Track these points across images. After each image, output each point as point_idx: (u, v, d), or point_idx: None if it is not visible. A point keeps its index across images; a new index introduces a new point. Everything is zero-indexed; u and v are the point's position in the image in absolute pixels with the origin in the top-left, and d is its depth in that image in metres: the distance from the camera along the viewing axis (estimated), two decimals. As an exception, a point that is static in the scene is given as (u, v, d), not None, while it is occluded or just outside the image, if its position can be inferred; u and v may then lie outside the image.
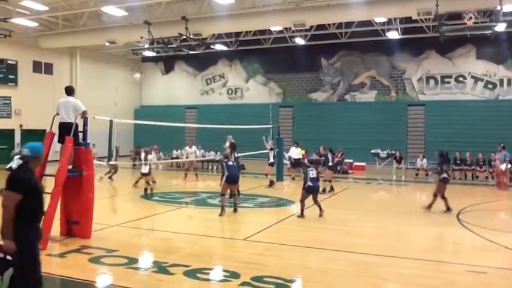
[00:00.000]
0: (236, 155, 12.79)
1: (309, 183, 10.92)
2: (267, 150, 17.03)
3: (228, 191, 11.59)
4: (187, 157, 20.06)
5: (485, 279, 6.69)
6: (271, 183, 16.43)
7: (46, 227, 7.78)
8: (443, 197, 11.77)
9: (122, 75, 32.42)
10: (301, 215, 10.97)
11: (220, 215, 11.16)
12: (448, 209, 11.69)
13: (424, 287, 6.32)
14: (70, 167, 8.59)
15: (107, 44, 24.63)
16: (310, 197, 11.07)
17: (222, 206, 11.32)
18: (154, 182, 14.89)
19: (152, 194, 14.30)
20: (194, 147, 21.05)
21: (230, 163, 11.54)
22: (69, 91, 8.98)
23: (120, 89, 31.49)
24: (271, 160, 16.91)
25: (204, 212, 12.28)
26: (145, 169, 14.58)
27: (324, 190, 14.67)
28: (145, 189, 14.50)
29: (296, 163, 19.92)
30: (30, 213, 4.61)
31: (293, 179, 19.07)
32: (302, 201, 11.02)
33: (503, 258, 8.00)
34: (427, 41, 24.62)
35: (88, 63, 29.09)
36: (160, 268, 6.85)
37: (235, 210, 11.63)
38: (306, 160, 12.47)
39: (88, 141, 9.00)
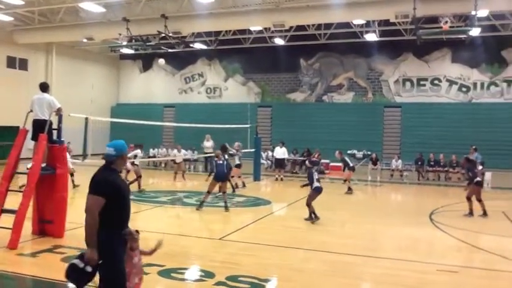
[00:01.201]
0: (226, 156, 13.01)
1: (317, 184, 10.61)
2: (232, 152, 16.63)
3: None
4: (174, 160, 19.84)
5: (457, 279, 6.83)
6: (236, 187, 15.76)
7: (17, 226, 7.64)
8: (480, 200, 11.63)
9: (99, 72, 31.98)
10: (310, 218, 10.54)
11: (197, 209, 11.50)
12: (485, 213, 11.55)
13: (398, 286, 6.42)
14: (44, 164, 8.43)
15: (84, 40, 24.25)
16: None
17: (202, 200, 11.71)
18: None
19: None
20: (183, 151, 20.88)
21: (219, 162, 12.01)
22: (44, 87, 8.81)
23: (97, 87, 31.12)
24: (237, 162, 16.48)
25: (181, 211, 12.21)
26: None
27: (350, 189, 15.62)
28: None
29: (279, 163, 19.95)
30: (114, 219, 4.22)
31: (281, 179, 19.15)
32: (309, 204, 10.58)
33: (475, 258, 8.19)
34: (404, 43, 25.00)
35: (64, 59, 28.60)
36: (135, 268, 6.77)
37: (226, 209, 11.66)
38: (307, 162, 12.41)
39: (62, 139, 8.86)
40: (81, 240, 8.07)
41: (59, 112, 8.67)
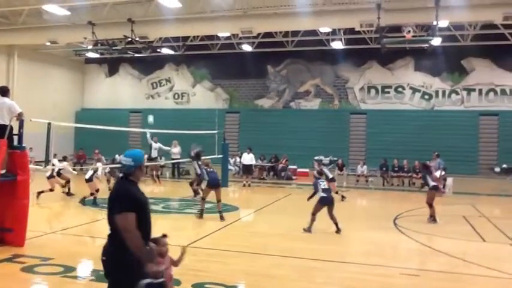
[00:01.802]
0: (200, 163, 13.20)
1: (322, 194, 10.26)
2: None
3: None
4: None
5: (417, 282, 7.00)
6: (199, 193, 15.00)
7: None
8: (431, 205, 11.71)
9: (64, 76, 31.27)
10: (309, 230, 10.18)
11: (199, 217, 11.53)
12: (434, 219, 11.59)
13: (362, 290, 6.52)
14: (3, 171, 8.17)
15: (48, 43, 23.66)
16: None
17: (201, 209, 11.69)
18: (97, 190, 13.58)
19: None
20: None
21: (210, 170, 12.07)
22: (4, 92, 8.55)
23: (61, 91, 30.41)
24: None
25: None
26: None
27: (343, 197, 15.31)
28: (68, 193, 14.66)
29: (246, 169, 19.93)
30: (140, 232, 3.94)
31: (249, 185, 19.12)
32: (314, 214, 10.25)
33: (437, 262, 8.40)
34: (369, 52, 25.56)
35: (27, 62, 27.81)
36: (98, 276, 6.60)
37: (221, 218, 11.35)
38: (315, 172, 11.93)
39: (24, 145, 8.60)
40: (43, 249, 7.91)
41: (20, 117, 8.43)
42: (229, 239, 9.63)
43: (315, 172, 11.98)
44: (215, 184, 11.84)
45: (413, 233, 10.33)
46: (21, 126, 8.56)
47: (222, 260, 7.78)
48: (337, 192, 15.26)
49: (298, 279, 6.91)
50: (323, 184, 10.55)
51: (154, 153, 19.16)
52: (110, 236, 4.08)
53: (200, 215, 11.63)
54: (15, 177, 8.28)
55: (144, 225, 4.01)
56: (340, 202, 15.24)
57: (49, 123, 10.31)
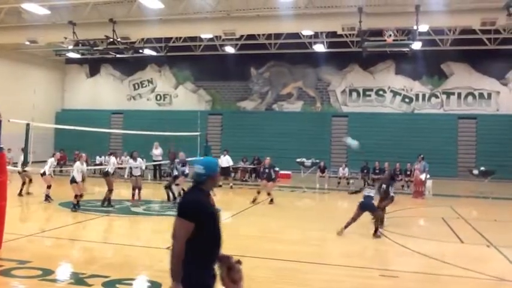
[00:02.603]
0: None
1: (361, 199, 10.53)
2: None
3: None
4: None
5: (396, 283, 7.09)
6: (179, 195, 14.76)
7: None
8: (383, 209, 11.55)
9: (43, 76, 30.81)
10: (341, 232, 10.23)
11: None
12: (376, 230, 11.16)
13: (342, 291, 6.58)
14: (-20, 173, 8.02)
15: (27, 43, 23.29)
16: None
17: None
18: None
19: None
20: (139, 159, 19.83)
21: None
22: (-19, 92, 8.41)
23: (41, 91, 29.91)
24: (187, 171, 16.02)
25: (127, 221, 11.94)
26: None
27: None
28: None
29: (224, 171, 19.90)
30: (205, 249, 3.59)
31: (231, 187, 19.10)
32: (354, 218, 10.37)
33: (416, 263, 8.51)
34: (351, 55, 25.78)
35: (5, 62, 27.34)
36: (78, 280, 6.56)
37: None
38: (366, 185, 11.74)
39: (1, 146, 8.45)
40: (20, 252, 7.78)
41: (-3, 118, 8.30)
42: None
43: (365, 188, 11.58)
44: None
45: (393, 235, 10.45)
46: (-2, 127, 8.43)
47: (203, 263, 7.74)
48: (269, 194, 15.10)
49: (277, 281, 6.94)
50: (367, 191, 10.72)
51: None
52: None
53: None
54: (-8, 179, 8.13)
55: (210, 239, 3.63)
56: (267, 200, 15.04)
57: (28, 124, 10.17)
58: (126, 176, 14.64)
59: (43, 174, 13.85)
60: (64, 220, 11.32)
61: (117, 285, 6.35)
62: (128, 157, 14.90)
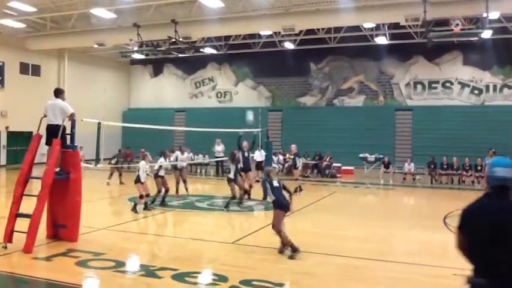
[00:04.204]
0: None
1: None
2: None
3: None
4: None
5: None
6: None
7: (32, 230, 7.71)
8: None
9: (111, 77, 32.28)
10: None
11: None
12: None
13: (411, 290, 6.37)
14: (57, 169, 8.52)
15: (96, 46, 24.49)
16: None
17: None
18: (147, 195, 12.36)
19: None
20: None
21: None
22: (57, 93, 8.90)
23: (109, 92, 31.40)
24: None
25: (192, 215, 12.24)
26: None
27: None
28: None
29: (258, 166, 19.68)
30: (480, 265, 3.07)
31: (257, 181, 18.96)
32: None
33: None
34: (415, 46, 24.88)
35: (76, 65, 28.91)
36: (148, 272, 6.81)
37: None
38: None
39: (76, 144, 8.94)
40: (95, 245, 8.19)
41: (72, 117, 8.74)
42: (273, 237, 9.57)
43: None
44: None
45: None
46: (73, 126, 8.90)
47: (267, 258, 7.79)
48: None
49: (343, 278, 6.84)
50: None
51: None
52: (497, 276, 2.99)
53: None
54: (68, 175, 8.61)
55: (488, 257, 3.01)
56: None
57: (99, 123, 10.65)
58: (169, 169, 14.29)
59: (137, 181, 12.09)
60: (133, 214, 11.76)
61: (186, 278, 6.52)
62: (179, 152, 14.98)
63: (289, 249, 7.84)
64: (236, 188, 12.86)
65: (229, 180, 12.88)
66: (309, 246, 8.68)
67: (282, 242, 8.00)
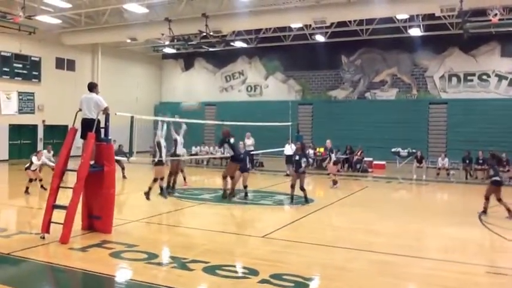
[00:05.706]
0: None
1: (496, 178, 11.07)
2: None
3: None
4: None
5: (505, 281, 6.56)
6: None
7: (68, 221, 7.93)
8: (499, 200, 11.04)
9: (143, 71, 32.77)
10: (483, 213, 11.04)
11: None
12: (509, 212, 10.86)
13: (443, 287, 6.23)
14: (92, 162, 8.71)
15: (128, 40, 24.92)
16: None
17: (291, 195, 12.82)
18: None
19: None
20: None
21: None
22: (91, 87, 9.08)
23: (141, 86, 31.94)
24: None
25: (224, 209, 12.32)
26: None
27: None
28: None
29: (288, 160, 19.54)
30: None
31: (287, 175, 18.87)
32: (487, 198, 11.10)
33: (527, 261, 7.84)
34: (450, 38, 24.25)
35: (109, 59, 29.47)
36: (180, 264, 6.90)
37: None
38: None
39: (109, 137, 9.11)
40: (128, 236, 8.36)
41: (106, 111, 8.91)
42: (305, 231, 9.61)
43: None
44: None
45: (500, 229, 9.70)
46: (107, 119, 9.06)
47: (298, 252, 7.78)
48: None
49: (375, 274, 6.75)
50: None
51: (179, 149, 15.20)
52: None
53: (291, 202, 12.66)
54: (102, 168, 8.79)
55: None
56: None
57: (132, 117, 10.82)
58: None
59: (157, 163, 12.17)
60: (165, 207, 11.93)
61: (217, 271, 6.57)
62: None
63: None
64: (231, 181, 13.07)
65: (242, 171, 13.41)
66: (340, 241, 8.62)
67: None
